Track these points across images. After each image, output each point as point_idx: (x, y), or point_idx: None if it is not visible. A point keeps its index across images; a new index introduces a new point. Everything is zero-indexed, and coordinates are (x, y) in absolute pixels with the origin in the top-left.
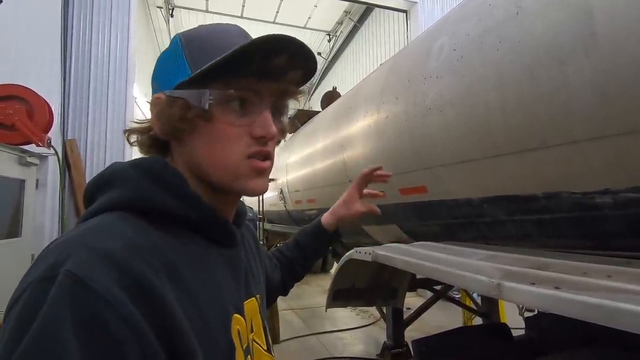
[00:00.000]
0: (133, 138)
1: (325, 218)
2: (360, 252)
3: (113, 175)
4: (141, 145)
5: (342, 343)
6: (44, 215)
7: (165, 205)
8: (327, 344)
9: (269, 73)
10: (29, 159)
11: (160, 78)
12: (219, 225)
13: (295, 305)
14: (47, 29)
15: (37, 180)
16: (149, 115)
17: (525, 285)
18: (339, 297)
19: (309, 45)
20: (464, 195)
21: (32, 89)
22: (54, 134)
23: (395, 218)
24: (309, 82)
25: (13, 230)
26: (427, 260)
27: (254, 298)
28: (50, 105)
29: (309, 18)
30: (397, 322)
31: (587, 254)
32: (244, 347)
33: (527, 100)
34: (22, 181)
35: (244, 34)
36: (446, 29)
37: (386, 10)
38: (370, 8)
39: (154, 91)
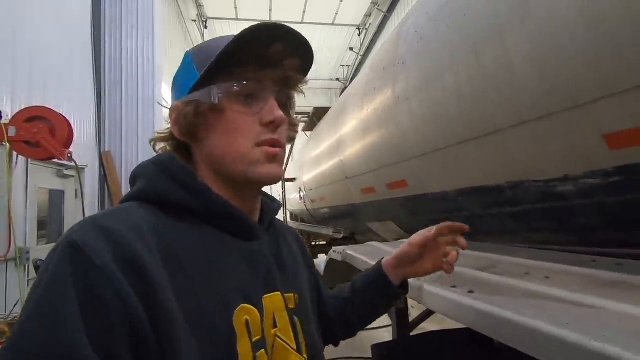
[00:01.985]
0: (159, 146)
1: (388, 263)
2: (335, 252)
3: (139, 170)
4: (171, 150)
5: (352, 341)
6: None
7: (173, 196)
8: (345, 343)
9: (267, 61)
10: (65, 172)
11: (175, 91)
12: (232, 216)
13: None
14: (78, 48)
15: (76, 190)
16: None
17: (442, 289)
18: None
19: (340, 41)
20: (440, 189)
21: (52, 108)
22: (91, 147)
23: (389, 214)
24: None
25: (58, 235)
26: (378, 257)
27: (278, 293)
28: (71, 122)
29: (336, 14)
30: (402, 323)
31: (564, 251)
32: (255, 339)
33: (476, 81)
34: (62, 192)
35: (237, 34)
36: (414, 8)
37: None
38: None
39: (173, 98)
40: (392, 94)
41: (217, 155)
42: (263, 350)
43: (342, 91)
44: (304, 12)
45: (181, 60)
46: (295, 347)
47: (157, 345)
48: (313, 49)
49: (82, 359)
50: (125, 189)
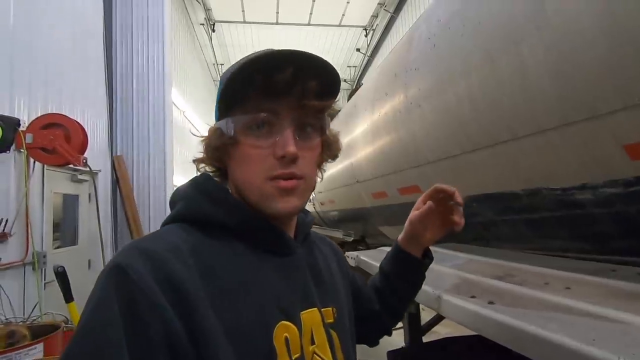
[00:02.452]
0: (200, 165)
1: (403, 242)
2: (349, 257)
3: (178, 193)
4: (212, 173)
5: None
6: (99, 224)
7: (210, 213)
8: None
9: (276, 90)
10: (79, 177)
11: (215, 116)
12: (268, 231)
13: None
14: (91, 54)
15: (89, 195)
16: (199, 126)
17: (461, 300)
18: None
19: (346, 42)
20: None
21: (67, 115)
22: (103, 151)
23: (402, 219)
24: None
25: (72, 239)
26: None
27: (315, 309)
28: (85, 128)
29: (343, 15)
30: (414, 327)
31: (581, 259)
32: (295, 356)
33: (490, 89)
34: (76, 196)
35: (255, 53)
36: (425, 15)
37: None
38: None
39: None
40: (404, 99)
41: (238, 185)
42: None
43: (350, 92)
44: (311, 14)
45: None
46: None
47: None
48: (320, 49)
49: None
50: (137, 191)
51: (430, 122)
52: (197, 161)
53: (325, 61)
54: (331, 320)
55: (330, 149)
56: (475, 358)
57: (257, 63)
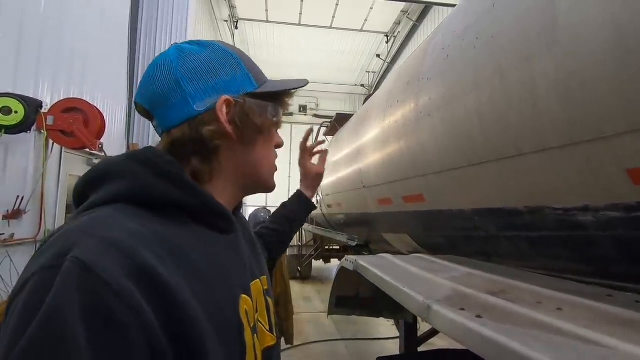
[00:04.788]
0: (206, 128)
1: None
2: (347, 261)
3: (108, 169)
4: (201, 142)
5: (366, 352)
6: None
7: (168, 194)
8: (353, 352)
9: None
10: (95, 161)
11: (212, 81)
12: (219, 212)
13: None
14: (116, 44)
15: None
16: None
17: (450, 311)
18: (342, 304)
19: (367, 47)
20: (457, 206)
21: (88, 101)
22: (120, 139)
23: (405, 227)
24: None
25: None
26: (391, 272)
27: (258, 280)
28: (103, 114)
29: (366, 20)
30: (410, 338)
31: (580, 281)
32: (251, 326)
33: (499, 103)
34: None
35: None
36: (441, 26)
37: (446, 8)
38: (429, 6)
39: (202, 91)
40: (415, 108)
41: (255, 161)
42: (255, 335)
43: (366, 98)
44: (334, 17)
45: (201, 48)
46: (268, 328)
47: (181, 355)
48: (340, 52)
49: None
50: None
51: (438, 132)
52: (204, 125)
53: None
54: (266, 287)
55: None
56: None
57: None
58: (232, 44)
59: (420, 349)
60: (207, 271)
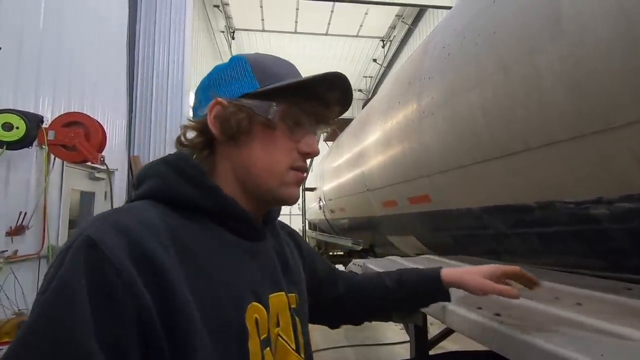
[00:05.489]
0: (190, 135)
1: (447, 274)
2: (355, 265)
3: (147, 171)
4: (194, 145)
5: (376, 357)
6: None
7: (185, 194)
8: (362, 358)
9: (325, 102)
10: (97, 175)
11: (220, 87)
12: (240, 217)
13: None
14: (114, 56)
15: (105, 192)
16: None
17: (466, 310)
18: None
19: (363, 53)
20: (464, 205)
21: (88, 114)
22: (121, 151)
23: (411, 229)
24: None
25: None
26: None
27: (282, 293)
28: (104, 127)
29: (361, 26)
30: (420, 341)
31: (596, 276)
32: (263, 337)
33: (503, 99)
34: (92, 193)
35: (294, 67)
36: (441, 25)
37: (441, 10)
38: (424, 9)
39: (208, 97)
40: (417, 108)
41: (252, 166)
42: (269, 349)
43: (364, 102)
44: (329, 24)
45: (209, 70)
46: (294, 347)
47: (168, 342)
48: (337, 58)
49: (87, 356)
50: None
51: (442, 130)
52: (186, 128)
53: (352, 92)
54: (294, 306)
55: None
56: None
57: (327, 80)
58: (229, 54)
59: (431, 353)
60: (212, 270)
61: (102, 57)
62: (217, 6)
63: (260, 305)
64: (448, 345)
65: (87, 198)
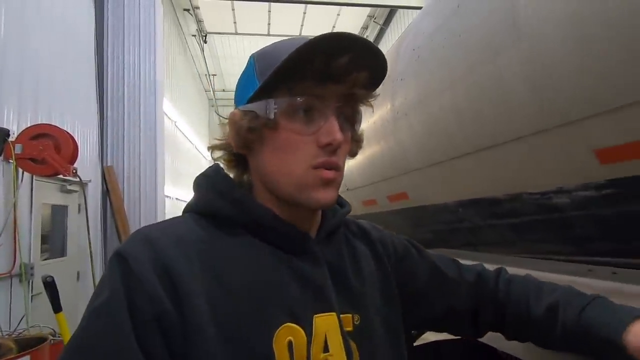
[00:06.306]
0: (217, 154)
1: (637, 334)
2: None
3: (196, 181)
4: (225, 161)
5: None
6: (88, 236)
7: (219, 208)
8: None
9: (330, 75)
10: (69, 187)
11: (237, 98)
12: (275, 227)
13: None
14: (83, 64)
15: (79, 205)
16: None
17: None
18: None
19: None
20: (440, 200)
21: (58, 125)
22: (93, 162)
23: (392, 226)
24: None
25: (60, 250)
26: None
27: (333, 314)
28: (75, 138)
29: (334, 27)
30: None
31: (564, 261)
32: None
33: (473, 99)
34: (65, 207)
35: (297, 40)
36: (411, 26)
37: (411, 10)
38: (394, 10)
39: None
40: (391, 108)
41: (269, 173)
42: None
43: None
44: (302, 25)
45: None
46: None
47: (182, 349)
48: None
49: (131, 357)
50: (128, 202)
51: (416, 130)
52: (214, 148)
53: (380, 52)
54: (350, 329)
55: (355, 146)
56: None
57: (321, 44)
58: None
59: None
60: (239, 286)
61: (70, 65)
62: (187, 10)
63: (297, 327)
64: (430, 337)
65: (59, 212)
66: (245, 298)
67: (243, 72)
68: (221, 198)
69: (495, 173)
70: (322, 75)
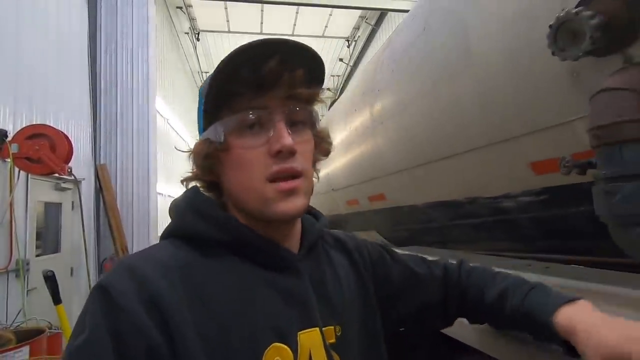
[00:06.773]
0: (191, 184)
1: (564, 316)
2: None
3: (172, 207)
4: (201, 188)
5: None
6: (83, 233)
7: (199, 230)
8: None
9: (265, 83)
10: (63, 185)
11: (198, 130)
12: (257, 247)
13: None
14: (76, 64)
15: (72, 203)
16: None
17: None
18: None
19: (329, 53)
20: (412, 202)
21: (53, 126)
22: (87, 160)
23: (372, 225)
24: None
25: (54, 246)
26: None
27: (316, 329)
28: (70, 138)
29: (326, 27)
30: None
31: (514, 257)
32: None
33: (435, 113)
34: (59, 204)
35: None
36: (389, 40)
37: (400, 13)
38: (385, 11)
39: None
40: (370, 116)
41: (234, 193)
42: None
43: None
44: (294, 24)
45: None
46: None
47: None
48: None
49: None
50: (121, 200)
51: (391, 137)
52: (186, 180)
53: (309, 47)
54: (332, 341)
55: (322, 144)
56: (432, 350)
57: (242, 56)
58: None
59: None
60: (224, 308)
61: (64, 65)
62: (180, 7)
63: (283, 346)
64: None
65: (53, 209)
66: (232, 321)
67: (198, 106)
68: (201, 219)
69: (456, 179)
70: (258, 85)
